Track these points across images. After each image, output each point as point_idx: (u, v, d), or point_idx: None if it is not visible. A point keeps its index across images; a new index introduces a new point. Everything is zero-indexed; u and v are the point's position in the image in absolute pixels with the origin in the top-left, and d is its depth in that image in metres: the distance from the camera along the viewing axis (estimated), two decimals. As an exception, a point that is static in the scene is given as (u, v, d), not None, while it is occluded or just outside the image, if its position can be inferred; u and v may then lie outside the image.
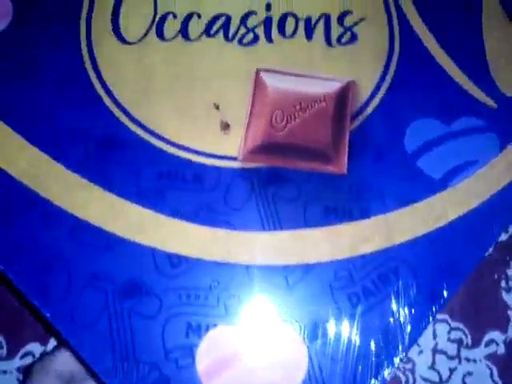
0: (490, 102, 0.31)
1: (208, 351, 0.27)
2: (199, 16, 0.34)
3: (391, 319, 0.26)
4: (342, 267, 0.27)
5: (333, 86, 0.32)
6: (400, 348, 0.25)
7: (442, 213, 0.28)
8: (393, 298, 0.26)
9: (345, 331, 0.26)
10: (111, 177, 0.28)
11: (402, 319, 0.26)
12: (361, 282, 0.27)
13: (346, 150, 0.30)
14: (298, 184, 0.29)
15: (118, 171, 0.28)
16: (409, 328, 0.26)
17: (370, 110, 0.31)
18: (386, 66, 0.32)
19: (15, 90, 0.30)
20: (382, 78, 0.32)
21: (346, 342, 0.26)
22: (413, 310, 0.26)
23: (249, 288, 0.27)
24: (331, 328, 0.26)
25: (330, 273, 0.27)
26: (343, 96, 0.32)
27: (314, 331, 0.26)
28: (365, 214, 0.28)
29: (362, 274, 0.27)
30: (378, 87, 0.32)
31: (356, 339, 0.26)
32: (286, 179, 0.29)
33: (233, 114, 0.31)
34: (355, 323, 0.26)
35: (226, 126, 0.31)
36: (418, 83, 0.32)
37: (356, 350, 0.26)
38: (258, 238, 0.27)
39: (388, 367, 0.25)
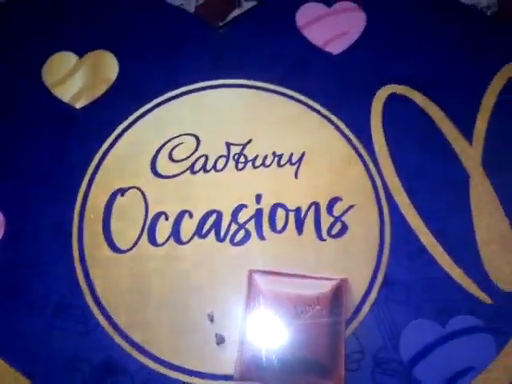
0: (485, 298, 0.35)
1: None
2: (191, 215, 0.38)
3: None
4: None
5: (326, 286, 0.36)
6: None
7: None
8: None
9: None
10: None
11: None
12: None
13: (343, 361, 0.33)
14: None
15: None
16: None
17: (365, 310, 0.34)
18: (378, 260, 0.36)
19: (8, 318, 0.34)
20: (375, 274, 0.35)
21: None
22: None
23: None
24: None
25: None
26: (337, 296, 0.35)
27: None
28: None
29: None
30: (371, 285, 0.35)
31: None
32: None
33: (228, 323, 0.34)
34: None
35: (221, 340, 0.34)
36: (412, 279, 0.35)
37: None
38: None
39: None
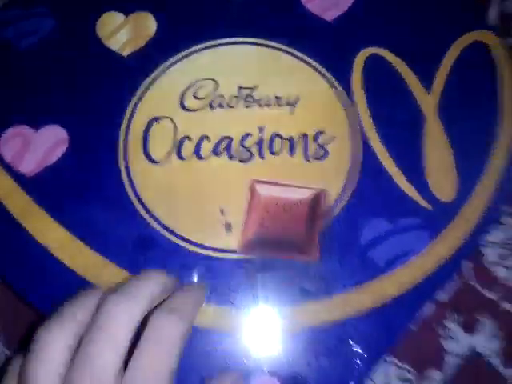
0: (425, 204, 0.48)
1: None
2: (209, 139, 0.51)
3: (345, 376, 0.42)
4: (311, 333, 0.43)
5: (308, 194, 0.49)
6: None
7: (384, 291, 0.44)
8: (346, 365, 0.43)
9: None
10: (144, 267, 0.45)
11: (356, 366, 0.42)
12: (325, 342, 0.43)
13: (317, 243, 0.46)
14: (280, 271, 0.45)
15: (150, 264, 0.45)
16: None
17: (336, 212, 0.47)
18: (349, 177, 0.48)
19: (78, 211, 0.47)
20: (345, 187, 0.48)
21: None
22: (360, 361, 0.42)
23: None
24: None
25: (303, 336, 0.43)
26: (315, 201, 0.48)
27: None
28: (329, 293, 0.44)
29: (325, 336, 0.43)
30: (342, 194, 0.48)
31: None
32: (272, 267, 0.45)
33: (234, 217, 0.47)
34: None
35: (228, 227, 0.47)
36: (373, 191, 0.48)
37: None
38: (251, 312, 0.44)
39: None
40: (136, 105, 0.52)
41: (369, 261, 0.45)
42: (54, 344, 0.27)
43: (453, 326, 0.46)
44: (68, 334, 0.28)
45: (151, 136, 0.50)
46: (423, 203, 0.48)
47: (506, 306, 0.47)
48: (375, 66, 0.53)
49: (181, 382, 0.37)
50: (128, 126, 0.51)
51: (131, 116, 0.51)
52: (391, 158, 0.49)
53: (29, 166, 0.48)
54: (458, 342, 0.46)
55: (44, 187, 0.48)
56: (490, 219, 0.48)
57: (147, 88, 0.52)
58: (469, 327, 0.46)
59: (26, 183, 0.48)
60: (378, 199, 0.48)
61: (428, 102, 0.52)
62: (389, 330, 0.44)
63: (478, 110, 0.52)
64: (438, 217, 0.47)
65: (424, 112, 0.51)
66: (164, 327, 0.30)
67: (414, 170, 0.49)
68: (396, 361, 0.47)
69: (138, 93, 0.52)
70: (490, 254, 0.50)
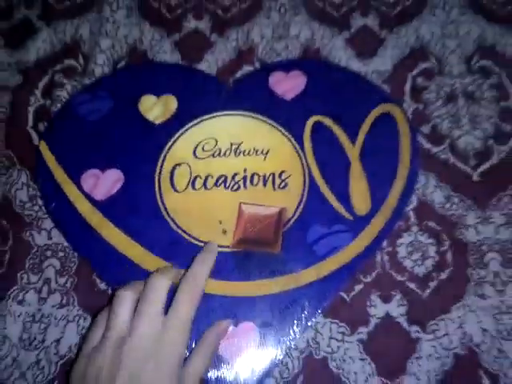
0: (349, 217, 0.73)
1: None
2: (212, 176, 0.77)
3: (296, 322, 0.67)
4: (276, 296, 0.69)
5: (275, 210, 0.75)
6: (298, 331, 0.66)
7: (322, 271, 0.68)
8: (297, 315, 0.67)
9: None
10: (172, 256, 0.70)
11: (304, 316, 0.67)
12: (285, 302, 0.68)
13: (281, 241, 0.72)
14: (258, 258, 0.70)
15: (174, 254, 0.68)
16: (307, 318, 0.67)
17: (291, 222, 0.73)
18: (300, 200, 0.75)
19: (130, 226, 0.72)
20: (298, 207, 0.74)
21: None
22: (306, 313, 0.67)
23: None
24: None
25: (271, 298, 0.68)
26: (279, 215, 0.74)
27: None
28: (289, 272, 0.69)
29: (286, 298, 0.67)
30: (295, 211, 0.74)
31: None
32: (253, 256, 0.70)
33: (228, 225, 0.71)
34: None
35: (224, 232, 0.73)
36: (315, 208, 0.72)
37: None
38: (239, 284, 0.69)
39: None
40: (165, 156, 0.72)
41: (312, 252, 0.62)
42: (127, 297, 0.52)
43: (375, 298, 0.62)
44: (134, 292, 0.55)
45: (175, 175, 0.68)
46: (347, 216, 0.67)
47: (411, 285, 0.62)
48: (319, 128, 0.78)
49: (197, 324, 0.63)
50: (161, 169, 0.69)
51: (162, 163, 0.75)
52: (327, 187, 0.75)
53: (100, 195, 0.68)
54: (377, 308, 0.61)
55: (110, 208, 0.65)
56: (390, 227, 0.72)
57: (172, 145, 0.78)
58: (385, 299, 0.62)
59: (99, 206, 0.65)
60: (319, 213, 0.66)
61: (353, 151, 0.78)
62: (324, 294, 0.68)
63: (384, 156, 0.73)
64: (357, 225, 0.64)
65: (350, 157, 0.78)
66: (186, 291, 0.55)
67: (342, 194, 0.65)
68: (337, 321, 0.62)
69: (166, 148, 0.77)
70: (401, 251, 0.66)
